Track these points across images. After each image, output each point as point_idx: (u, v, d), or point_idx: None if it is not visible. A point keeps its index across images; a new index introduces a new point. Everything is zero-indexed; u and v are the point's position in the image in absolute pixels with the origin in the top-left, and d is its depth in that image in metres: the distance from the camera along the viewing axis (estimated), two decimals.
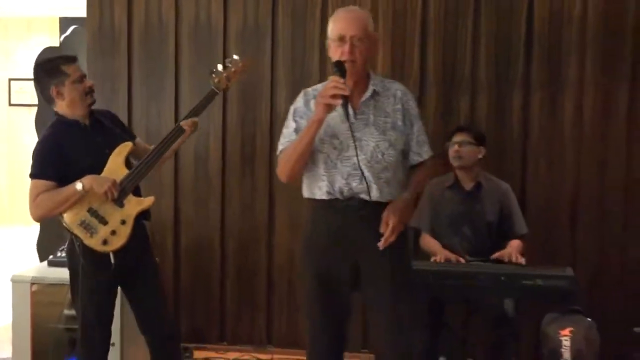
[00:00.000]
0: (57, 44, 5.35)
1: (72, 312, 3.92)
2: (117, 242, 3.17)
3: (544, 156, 4.54)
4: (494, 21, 4.50)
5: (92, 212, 3.16)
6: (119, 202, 3.17)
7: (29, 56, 8.43)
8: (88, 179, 3.11)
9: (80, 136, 3.24)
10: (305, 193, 3.01)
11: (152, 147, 3.38)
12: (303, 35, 4.62)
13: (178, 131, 3.35)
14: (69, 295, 3.80)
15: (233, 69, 3.41)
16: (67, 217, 3.16)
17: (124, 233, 3.18)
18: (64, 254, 3.97)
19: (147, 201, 3.28)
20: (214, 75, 3.41)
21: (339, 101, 2.66)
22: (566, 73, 4.48)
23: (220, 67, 3.44)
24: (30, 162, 3.24)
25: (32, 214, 3.20)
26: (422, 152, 2.98)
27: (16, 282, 3.88)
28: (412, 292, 3.07)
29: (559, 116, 4.50)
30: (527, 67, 4.50)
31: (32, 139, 5.32)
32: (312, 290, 2.98)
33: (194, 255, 4.78)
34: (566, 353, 4.23)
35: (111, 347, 3.76)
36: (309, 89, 3.00)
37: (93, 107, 3.33)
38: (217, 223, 4.78)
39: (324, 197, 2.89)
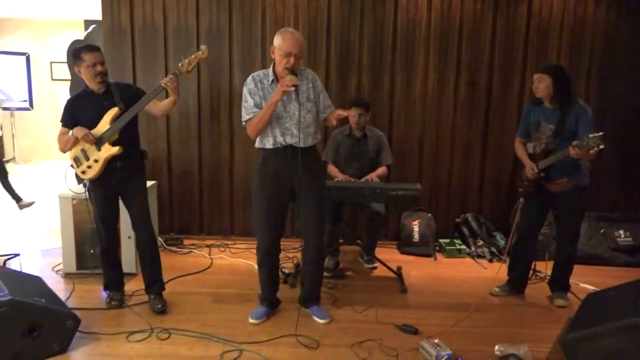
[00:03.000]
0: (82, 38, 4.92)
1: None
2: (90, 173, 3.05)
3: (402, 113, 4.56)
4: (372, 26, 4.45)
5: (83, 151, 3.06)
6: (98, 147, 3.01)
7: (63, 46, 8.15)
8: (75, 129, 3.01)
9: (91, 100, 3.03)
10: (258, 144, 2.95)
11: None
12: (249, 34, 4.45)
13: (153, 92, 2.98)
14: None
15: (194, 55, 2.95)
16: (70, 153, 3.10)
17: (96, 168, 3.03)
18: None
19: (114, 149, 3.00)
20: (180, 64, 2.98)
21: (293, 89, 2.70)
22: (417, 61, 4.48)
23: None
24: None
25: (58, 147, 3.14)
26: (326, 111, 2.94)
27: (62, 197, 3.71)
28: (325, 199, 3.10)
29: (412, 89, 4.52)
30: (393, 57, 4.48)
31: None
32: (265, 203, 2.93)
33: (181, 177, 4.67)
34: (416, 235, 4.42)
35: (128, 239, 3.67)
36: (254, 74, 2.92)
37: (117, 81, 3.14)
38: (196, 156, 4.62)
39: (271, 146, 2.88)
